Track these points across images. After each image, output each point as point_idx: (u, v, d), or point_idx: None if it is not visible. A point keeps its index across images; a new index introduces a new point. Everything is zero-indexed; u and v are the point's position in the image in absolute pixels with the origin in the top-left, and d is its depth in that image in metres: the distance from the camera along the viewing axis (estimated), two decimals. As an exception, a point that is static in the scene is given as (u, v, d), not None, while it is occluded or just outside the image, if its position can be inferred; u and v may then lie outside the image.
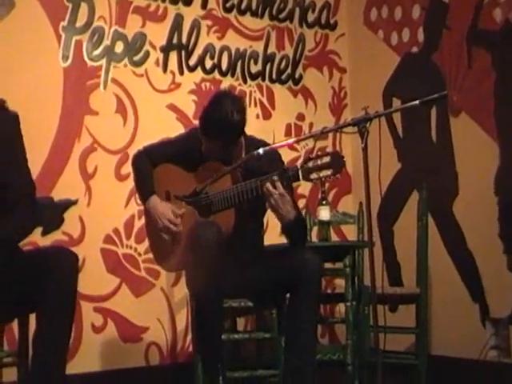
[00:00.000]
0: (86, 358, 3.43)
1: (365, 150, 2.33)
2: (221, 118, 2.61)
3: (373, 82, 4.23)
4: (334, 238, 4.01)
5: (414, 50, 4.05)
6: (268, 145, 2.69)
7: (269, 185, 2.48)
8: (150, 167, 2.86)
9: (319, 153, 2.48)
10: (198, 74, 3.92)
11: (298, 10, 4.28)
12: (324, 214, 3.36)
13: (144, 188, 2.87)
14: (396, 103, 4.07)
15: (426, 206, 3.53)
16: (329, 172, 2.39)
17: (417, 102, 2.37)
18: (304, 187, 4.03)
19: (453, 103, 3.75)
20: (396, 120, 4.08)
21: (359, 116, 2.38)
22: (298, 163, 2.50)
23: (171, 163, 2.82)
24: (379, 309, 2.40)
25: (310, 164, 2.42)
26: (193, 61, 3.91)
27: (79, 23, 3.58)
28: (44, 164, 3.38)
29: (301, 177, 2.44)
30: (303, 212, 3.86)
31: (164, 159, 2.84)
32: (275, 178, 2.48)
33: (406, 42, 4.10)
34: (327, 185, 3.70)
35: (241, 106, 2.67)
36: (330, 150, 4.25)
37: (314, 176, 2.41)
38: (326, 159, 2.39)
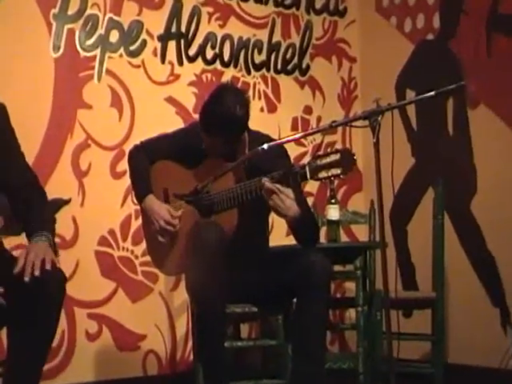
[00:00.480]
0: (79, 368, 3.44)
1: (376, 144, 2.33)
2: (222, 112, 2.61)
3: (385, 72, 4.23)
4: (344, 238, 4.01)
5: (430, 37, 4.05)
6: (273, 140, 2.69)
7: (265, 182, 2.48)
8: (146, 164, 2.86)
9: (328, 150, 2.48)
10: (199, 64, 3.93)
11: (304, -4, 4.28)
12: (333, 213, 3.36)
13: (140, 186, 2.87)
14: (410, 95, 4.07)
15: (441, 204, 3.53)
16: (338, 171, 2.39)
17: (432, 93, 2.37)
18: (311, 185, 4.03)
19: (471, 94, 3.74)
20: (410, 113, 4.07)
21: (370, 109, 2.38)
22: (306, 161, 2.49)
23: (170, 160, 2.82)
24: (392, 314, 2.40)
25: (318, 162, 2.41)
26: (193, 50, 3.92)
27: (71, 11, 3.58)
28: (34, 161, 3.38)
29: (308, 176, 2.43)
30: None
31: (162, 155, 2.85)
32: (279, 176, 2.48)
33: (421, 29, 4.09)
34: (336, 182, 3.69)
35: (244, 99, 2.67)
36: (339, 145, 4.26)
37: (322, 175, 2.41)
38: (336, 157, 2.39)
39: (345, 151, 2.42)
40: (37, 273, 2.06)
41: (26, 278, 2.06)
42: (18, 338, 2.14)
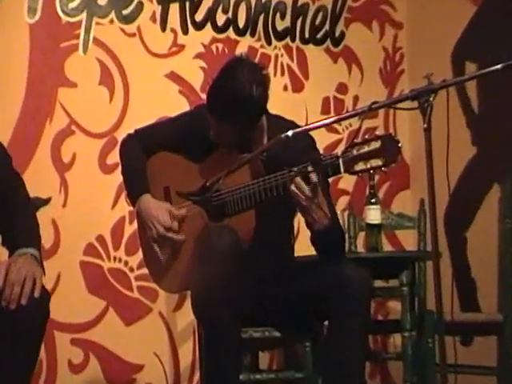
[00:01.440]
0: (61, 406, 3.48)
1: (428, 131, 2.33)
2: (235, 92, 2.60)
3: (438, 41, 4.22)
4: (387, 247, 4.02)
5: (495, -5, 4.05)
6: (298, 126, 2.70)
7: (299, 180, 2.48)
8: (142, 156, 2.88)
9: (366, 136, 2.48)
10: (208, 32, 3.95)
11: None
12: (373, 215, 3.37)
13: (134, 184, 2.88)
14: (470, 68, 4.06)
15: (510, 205, 3.52)
16: (379, 162, 2.39)
17: (498, 66, 2.36)
18: (346, 180, 4.04)
19: (546, 68, 3.72)
20: (470, 91, 4.07)
21: (420, 86, 2.38)
22: (339, 150, 2.49)
23: (171, 151, 2.84)
24: (448, 341, 2.40)
25: (355, 151, 2.42)
26: (200, 15, 3.94)
27: (51, -33, 3.62)
28: (6, 152, 3.42)
29: (342, 168, 2.44)
30: (345, 214, 3.86)
31: (162, 146, 2.86)
32: (309, 169, 2.49)
33: (484, -14, 4.09)
34: (377, 177, 3.70)
35: (262, 75, 2.67)
36: (380, 131, 4.25)
37: (359, 167, 2.41)
38: (376, 145, 2.39)
39: (387, 137, 2.42)
40: (13, 306, 2.14)
41: (4, 304, 2.12)
42: None
